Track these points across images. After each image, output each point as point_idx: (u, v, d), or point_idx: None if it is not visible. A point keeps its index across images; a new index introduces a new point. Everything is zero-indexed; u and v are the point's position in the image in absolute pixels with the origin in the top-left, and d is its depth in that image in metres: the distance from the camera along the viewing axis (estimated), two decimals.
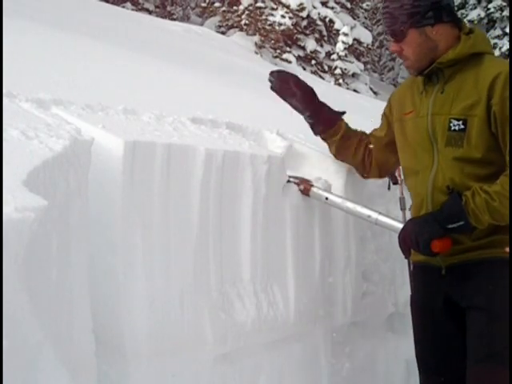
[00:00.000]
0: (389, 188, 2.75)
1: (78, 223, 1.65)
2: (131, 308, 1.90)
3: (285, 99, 2.59)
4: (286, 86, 2.56)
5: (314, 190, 2.51)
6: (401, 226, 2.23)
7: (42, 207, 1.26)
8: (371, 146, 2.53)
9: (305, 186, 2.52)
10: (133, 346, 1.90)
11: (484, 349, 2.09)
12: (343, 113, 2.61)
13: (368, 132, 2.59)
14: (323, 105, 2.59)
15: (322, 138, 2.62)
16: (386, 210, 3.04)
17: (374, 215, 2.39)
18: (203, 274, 2.12)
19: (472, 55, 2.15)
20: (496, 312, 2.08)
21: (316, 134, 2.61)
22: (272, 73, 2.58)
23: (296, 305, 2.45)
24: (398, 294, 3.10)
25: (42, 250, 1.37)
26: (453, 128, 2.12)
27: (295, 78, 2.59)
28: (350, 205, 2.48)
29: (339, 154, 2.62)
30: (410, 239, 2.13)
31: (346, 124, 2.59)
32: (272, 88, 2.59)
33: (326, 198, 2.50)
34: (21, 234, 1.18)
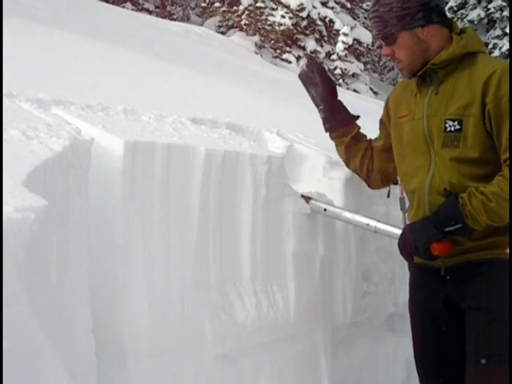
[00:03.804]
0: (388, 196, 2.73)
1: (78, 223, 1.65)
2: (131, 308, 1.90)
3: (306, 88, 2.59)
4: (310, 75, 2.56)
5: (312, 202, 2.53)
6: (400, 231, 2.23)
7: (42, 207, 1.26)
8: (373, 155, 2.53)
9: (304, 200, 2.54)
10: (133, 346, 1.90)
11: (484, 349, 2.08)
12: (358, 117, 2.60)
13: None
14: (340, 104, 2.59)
15: (331, 137, 2.60)
16: (386, 211, 3.04)
17: (373, 223, 2.41)
18: (203, 274, 2.12)
19: (465, 55, 2.15)
20: (496, 313, 2.08)
21: (326, 130, 2.60)
22: (304, 57, 2.59)
23: (296, 305, 2.45)
24: (398, 294, 3.10)
25: (42, 250, 1.37)
26: (448, 129, 2.12)
27: (321, 68, 2.58)
28: (348, 215, 2.50)
29: (346, 155, 2.59)
30: (409, 245, 2.13)
31: (359, 128, 2.58)
32: (299, 74, 2.60)
33: (325, 210, 2.52)
34: (21, 234, 1.18)
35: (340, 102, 2.59)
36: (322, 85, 2.55)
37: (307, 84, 2.58)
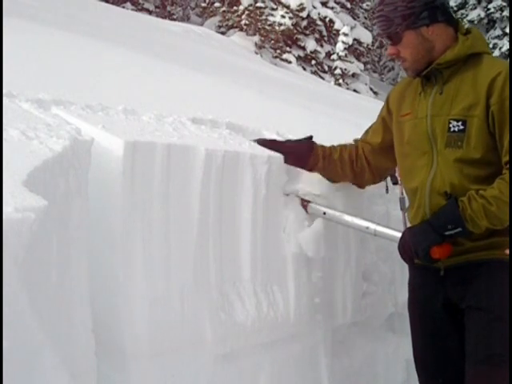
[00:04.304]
0: (387, 191, 2.72)
1: (78, 223, 1.65)
2: (131, 308, 1.90)
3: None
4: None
5: (311, 205, 2.54)
6: (399, 234, 2.23)
7: (42, 207, 1.26)
8: (360, 152, 2.49)
9: (302, 203, 2.53)
10: (133, 346, 1.90)
11: (483, 350, 2.08)
12: (311, 138, 2.57)
13: (355, 138, 2.56)
14: (290, 143, 2.54)
15: (309, 171, 2.56)
16: (386, 210, 3.04)
17: (372, 226, 2.41)
18: (203, 274, 2.12)
19: (470, 55, 2.15)
20: (496, 313, 2.08)
21: (302, 168, 2.57)
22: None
23: (296, 305, 2.45)
24: (398, 294, 3.10)
25: (42, 250, 1.37)
26: (452, 129, 2.12)
27: (262, 142, 2.53)
28: (348, 218, 2.50)
29: (329, 176, 2.57)
30: (409, 249, 2.13)
31: (321, 147, 2.54)
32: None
33: (324, 213, 2.52)
34: (21, 235, 1.18)
35: (288, 142, 2.55)
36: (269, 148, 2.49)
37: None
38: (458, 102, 2.12)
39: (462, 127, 2.10)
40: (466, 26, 2.28)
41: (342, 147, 2.55)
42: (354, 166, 2.51)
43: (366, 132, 2.53)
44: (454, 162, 2.12)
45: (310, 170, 2.56)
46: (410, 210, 2.29)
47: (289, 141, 2.59)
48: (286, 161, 2.47)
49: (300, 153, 2.51)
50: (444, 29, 2.16)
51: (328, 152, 2.54)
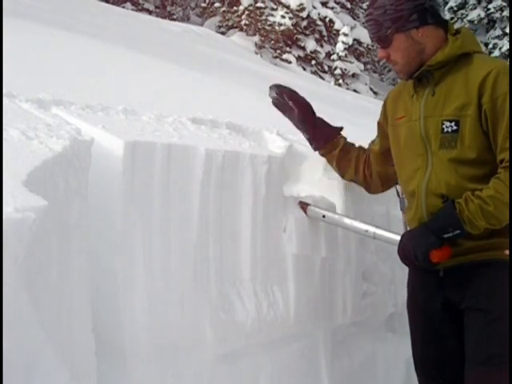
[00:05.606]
0: (398, 195, 2.70)
1: (78, 223, 1.65)
2: (131, 308, 1.90)
3: (284, 114, 2.59)
4: (283, 101, 2.55)
5: (311, 208, 2.54)
6: (399, 237, 2.23)
7: (42, 207, 1.26)
8: (370, 160, 2.51)
9: (302, 206, 2.53)
10: (133, 346, 1.90)
11: (483, 351, 2.08)
12: (341, 128, 2.59)
13: (366, 146, 2.58)
14: (320, 120, 2.56)
15: (321, 154, 2.59)
16: (386, 210, 3.04)
17: (372, 229, 2.41)
18: (203, 274, 2.12)
19: (461, 55, 2.15)
20: (495, 313, 2.08)
21: (314, 149, 2.60)
22: (271, 87, 2.56)
23: (296, 305, 2.45)
24: (398, 293, 3.10)
25: (41, 250, 1.37)
26: (446, 130, 2.12)
27: (291, 92, 2.55)
28: (347, 221, 2.50)
29: (340, 168, 2.58)
30: (409, 252, 2.13)
31: (345, 139, 2.57)
32: (273, 103, 2.58)
33: (324, 216, 2.52)
34: (21, 234, 1.18)
35: (319, 119, 2.57)
36: (296, 108, 2.52)
37: (283, 111, 2.57)
38: (450, 102, 2.12)
39: (455, 127, 2.10)
40: (459, 26, 2.29)
41: (362, 149, 2.57)
42: (365, 170, 2.53)
43: (372, 140, 2.54)
44: (449, 163, 2.12)
45: (324, 154, 2.57)
46: (409, 212, 2.28)
47: (319, 118, 2.58)
48: (307, 132, 2.50)
49: (324, 132, 2.52)
50: (434, 30, 2.16)
51: (348, 147, 2.56)
